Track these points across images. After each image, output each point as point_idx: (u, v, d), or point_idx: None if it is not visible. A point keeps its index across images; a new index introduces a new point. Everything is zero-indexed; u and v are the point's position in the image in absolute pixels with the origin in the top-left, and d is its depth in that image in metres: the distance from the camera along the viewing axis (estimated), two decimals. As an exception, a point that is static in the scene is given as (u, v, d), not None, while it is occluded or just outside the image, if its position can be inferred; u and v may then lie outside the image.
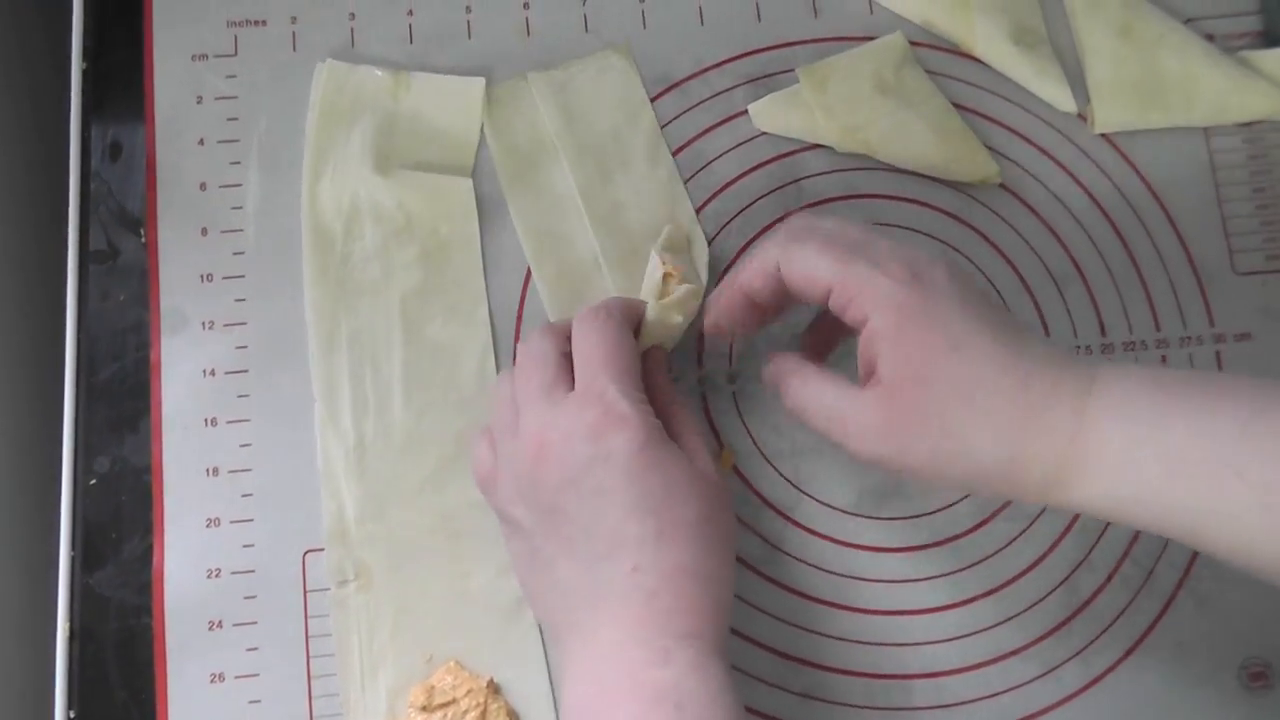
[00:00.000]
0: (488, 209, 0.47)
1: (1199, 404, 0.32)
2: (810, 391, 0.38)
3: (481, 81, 0.48)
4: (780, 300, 0.39)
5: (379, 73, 0.47)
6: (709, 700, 0.32)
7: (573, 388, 0.38)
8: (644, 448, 0.35)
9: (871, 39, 0.50)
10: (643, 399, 0.37)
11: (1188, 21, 0.50)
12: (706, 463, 0.38)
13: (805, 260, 0.37)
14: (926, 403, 0.34)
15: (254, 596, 0.42)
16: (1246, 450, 0.31)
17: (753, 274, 0.39)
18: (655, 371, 0.41)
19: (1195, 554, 0.45)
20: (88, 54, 0.48)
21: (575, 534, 0.36)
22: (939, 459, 0.34)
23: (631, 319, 0.41)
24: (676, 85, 0.49)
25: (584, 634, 0.35)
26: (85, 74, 0.47)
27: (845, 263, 0.36)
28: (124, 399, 0.44)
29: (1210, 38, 0.50)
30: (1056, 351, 0.35)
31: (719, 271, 0.47)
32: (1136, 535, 0.45)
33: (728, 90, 0.49)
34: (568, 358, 0.39)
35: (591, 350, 0.38)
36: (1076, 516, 0.45)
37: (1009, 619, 0.44)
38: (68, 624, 0.42)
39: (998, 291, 0.47)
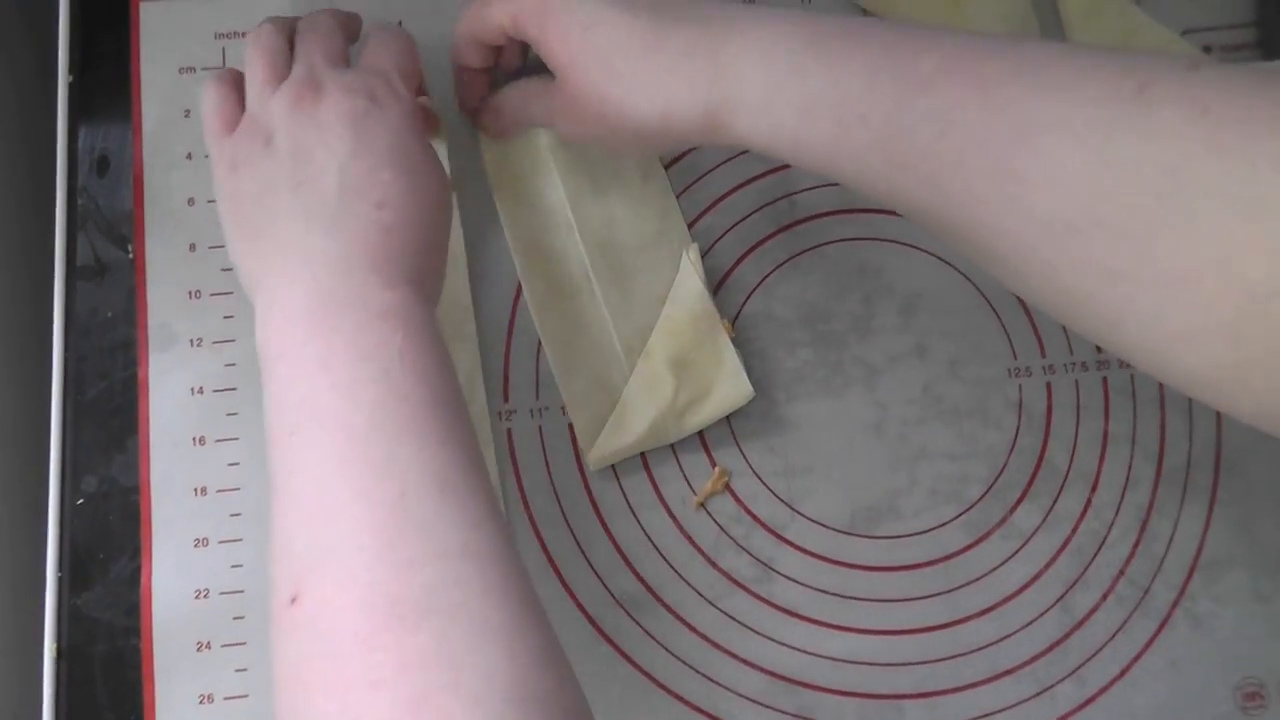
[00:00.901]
0: (476, 222, 0.47)
1: (835, 51, 0.35)
2: (518, 92, 0.44)
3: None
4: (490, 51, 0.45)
5: None
6: (429, 335, 0.35)
7: (314, 87, 0.39)
8: (412, 122, 0.39)
9: (866, 51, 0.49)
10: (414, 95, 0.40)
11: (1184, 33, 0.50)
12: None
13: (492, 16, 0.42)
14: (583, 79, 0.39)
15: (242, 617, 0.42)
16: (869, 98, 0.34)
17: (460, 45, 0.44)
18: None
19: (1192, 573, 0.45)
20: (74, 66, 0.47)
21: (328, 165, 0.37)
22: (609, 125, 0.39)
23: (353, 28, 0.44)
24: (669, 98, 0.49)
25: (309, 258, 0.36)
26: (72, 87, 0.47)
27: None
28: (112, 418, 0.44)
29: (1207, 49, 0.50)
30: (701, 11, 0.38)
31: (714, 285, 0.47)
32: (1132, 554, 0.45)
33: (721, 103, 0.49)
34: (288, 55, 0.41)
35: (385, 45, 0.41)
36: (1072, 534, 0.45)
37: (1003, 638, 0.44)
38: (55, 645, 0.42)
39: (990, 305, 0.47)
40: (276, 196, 0.37)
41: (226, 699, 0.41)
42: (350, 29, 0.43)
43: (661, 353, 0.44)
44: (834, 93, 0.34)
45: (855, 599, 0.44)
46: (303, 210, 0.36)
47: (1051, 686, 0.43)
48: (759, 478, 0.45)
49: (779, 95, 0.35)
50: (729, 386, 0.44)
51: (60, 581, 0.42)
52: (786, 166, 0.48)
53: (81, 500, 0.43)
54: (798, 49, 0.35)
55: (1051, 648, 0.44)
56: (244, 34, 0.48)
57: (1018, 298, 0.47)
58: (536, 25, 0.40)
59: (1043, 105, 0.31)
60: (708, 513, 0.44)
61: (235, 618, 0.42)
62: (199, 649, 0.42)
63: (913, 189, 0.34)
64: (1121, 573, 0.45)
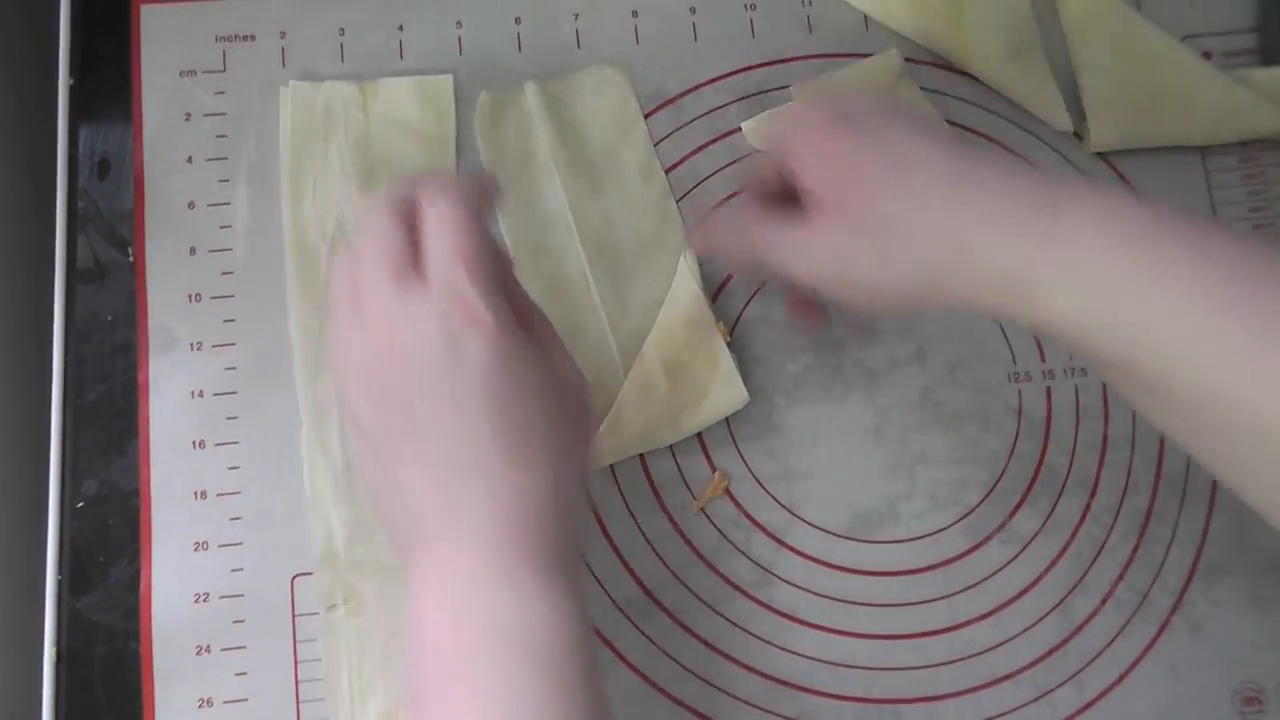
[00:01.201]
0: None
1: (1196, 242, 0.32)
2: (749, 220, 0.39)
3: (449, 78, 0.48)
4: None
5: (345, 85, 0.47)
6: (560, 637, 0.33)
7: (421, 276, 0.35)
8: (500, 350, 0.34)
9: (866, 56, 0.49)
10: (500, 297, 0.34)
11: (1185, 38, 0.50)
12: (562, 359, 0.36)
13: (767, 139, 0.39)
14: (869, 222, 0.35)
15: (242, 621, 0.42)
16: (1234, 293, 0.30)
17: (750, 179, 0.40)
18: (506, 270, 0.37)
19: (1191, 578, 0.45)
20: (75, 69, 0.47)
21: (425, 444, 0.34)
22: (865, 281, 0.35)
23: (483, 202, 0.37)
24: (670, 102, 0.49)
25: (432, 554, 0.34)
26: (72, 90, 0.47)
27: (780, 122, 0.38)
28: (111, 422, 0.44)
29: (1207, 55, 0.50)
30: (952, 169, 0.34)
31: (712, 291, 0.47)
32: (1131, 558, 0.45)
33: (721, 107, 0.49)
34: (414, 240, 0.35)
35: (445, 239, 0.34)
36: (1071, 539, 0.45)
37: (1002, 643, 0.44)
38: (55, 648, 0.42)
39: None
40: (381, 478, 0.35)
41: (226, 703, 0.41)
42: (477, 201, 0.36)
43: (656, 356, 0.44)
44: (1199, 288, 0.31)
45: (855, 603, 0.44)
46: (406, 499, 0.35)
47: (1050, 691, 0.43)
48: (759, 482, 0.45)
49: (1130, 281, 0.31)
50: (724, 390, 0.44)
51: (60, 584, 0.42)
52: (787, 171, 0.48)
53: (81, 503, 0.43)
54: (1155, 232, 0.32)
55: (1050, 652, 0.44)
56: (244, 36, 0.48)
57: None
58: (811, 154, 0.36)
59: None
60: (707, 517, 0.44)
61: (235, 621, 0.42)
62: (199, 652, 0.42)
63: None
64: (1120, 577, 0.45)
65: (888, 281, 0.35)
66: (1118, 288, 0.32)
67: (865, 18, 0.50)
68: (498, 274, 0.35)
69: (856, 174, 0.35)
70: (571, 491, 0.35)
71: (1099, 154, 0.49)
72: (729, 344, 0.45)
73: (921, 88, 0.49)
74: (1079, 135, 0.49)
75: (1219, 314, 0.30)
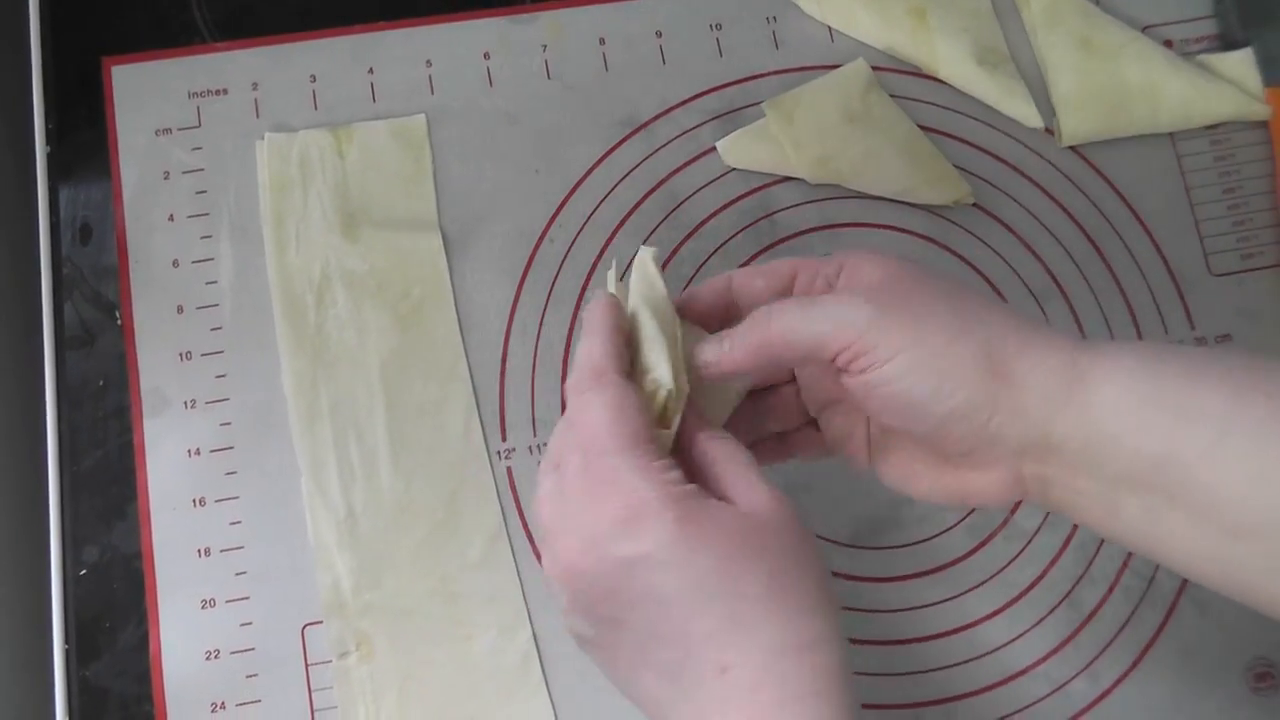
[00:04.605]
0: (457, 251, 0.47)
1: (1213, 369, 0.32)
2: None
3: (422, 118, 0.48)
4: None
5: (319, 134, 0.47)
6: None
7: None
8: (679, 529, 0.30)
9: (834, 67, 0.50)
10: (660, 462, 0.32)
11: (1145, 29, 0.51)
12: (757, 494, 0.32)
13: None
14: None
15: (255, 675, 0.42)
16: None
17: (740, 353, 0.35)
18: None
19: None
20: (51, 136, 0.47)
21: (643, 643, 0.31)
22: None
23: (620, 355, 0.35)
24: (643, 127, 0.49)
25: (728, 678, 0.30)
26: (50, 156, 0.47)
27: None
28: (110, 486, 0.44)
29: (1168, 44, 0.51)
30: (1035, 342, 0.33)
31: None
32: (1134, 545, 0.45)
33: (695, 128, 0.49)
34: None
35: (587, 425, 0.32)
36: (1074, 530, 0.45)
37: (1014, 639, 0.44)
38: (67, 718, 0.41)
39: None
40: (620, 682, 0.34)
41: (245, 759, 0.41)
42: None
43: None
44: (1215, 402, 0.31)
45: (865, 611, 0.44)
46: (650, 698, 0.32)
47: (1065, 684, 0.44)
48: (761, 497, 0.45)
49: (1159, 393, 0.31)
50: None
51: (68, 654, 0.42)
52: (765, 186, 0.48)
53: (84, 571, 0.43)
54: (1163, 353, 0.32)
55: (1062, 645, 0.44)
56: (216, 91, 0.48)
57: (1003, 297, 0.47)
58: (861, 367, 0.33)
59: None
60: (712, 536, 0.44)
61: (248, 676, 0.42)
62: (213, 710, 0.41)
63: None
64: (1125, 565, 0.45)
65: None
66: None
67: (830, 30, 0.51)
68: (649, 435, 0.32)
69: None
70: (818, 629, 0.31)
71: (1071, 148, 0.50)
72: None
73: (891, 95, 0.50)
74: (1050, 131, 0.50)
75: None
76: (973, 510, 0.45)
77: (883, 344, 0.32)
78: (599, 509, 0.31)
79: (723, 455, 0.33)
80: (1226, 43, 0.51)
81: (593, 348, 0.34)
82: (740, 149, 0.48)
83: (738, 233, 0.48)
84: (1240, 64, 0.50)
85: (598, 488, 0.32)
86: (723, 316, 0.37)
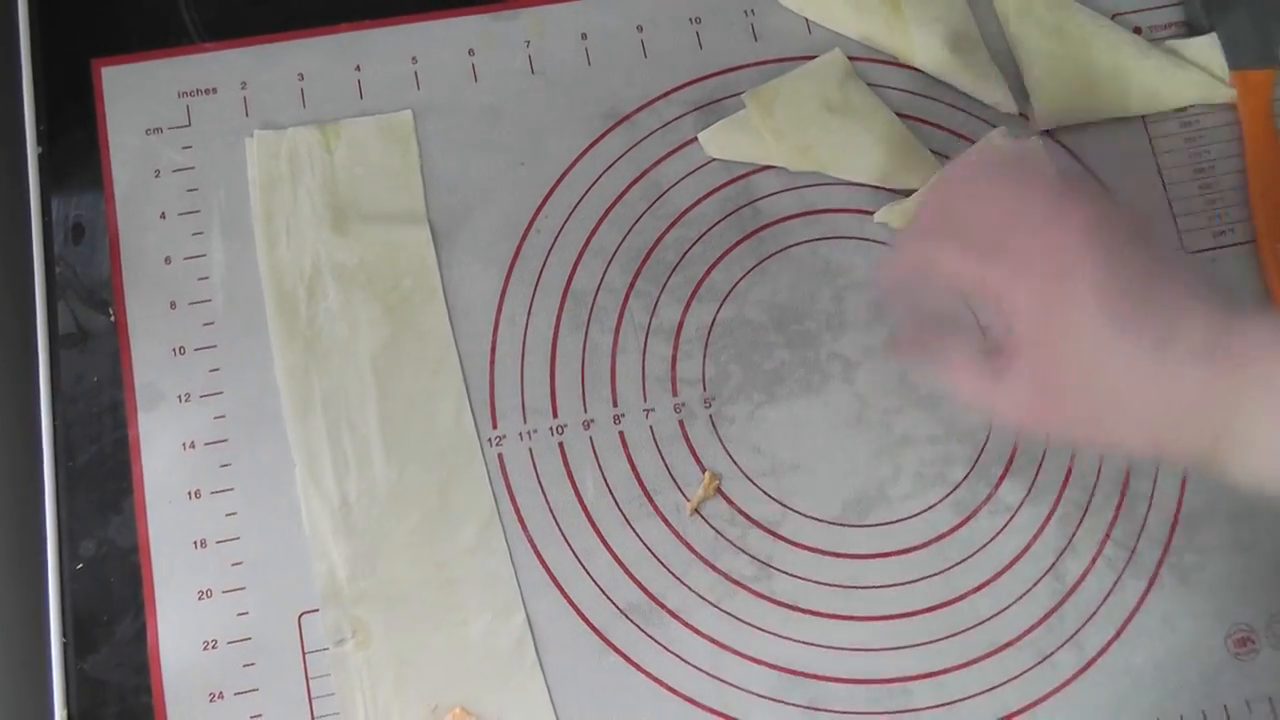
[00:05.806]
0: (446, 244, 0.47)
1: None
2: (952, 374, 0.38)
3: (408, 114, 0.49)
4: None
5: (308, 130, 0.48)
6: None
7: None
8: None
9: (812, 58, 0.51)
10: None
11: (1114, 16, 0.52)
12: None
13: (942, 264, 0.36)
14: (1069, 397, 0.35)
15: (253, 664, 0.42)
16: None
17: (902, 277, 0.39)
18: None
19: (1174, 529, 0.46)
20: (42, 137, 0.48)
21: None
22: (1084, 440, 0.39)
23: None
24: (625, 119, 0.50)
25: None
26: (41, 158, 0.48)
27: (985, 265, 0.35)
28: (105, 480, 0.44)
29: (1137, 30, 0.52)
30: (1209, 343, 0.33)
31: (686, 296, 0.48)
32: (1115, 516, 0.46)
33: (676, 119, 0.50)
34: None
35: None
36: (1057, 503, 0.46)
37: (1000, 612, 0.45)
38: (65, 711, 0.42)
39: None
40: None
41: (244, 747, 0.42)
42: None
43: None
44: None
45: (854, 587, 0.45)
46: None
47: (1051, 654, 0.44)
48: (749, 479, 0.46)
49: None
50: None
51: (65, 647, 0.42)
52: (747, 174, 0.49)
53: (81, 565, 0.43)
54: None
55: (1047, 616, 0.45)
56: (206, 90, 0.49)
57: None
58: (1025, 325, 0.35)
59: None
60: (702, 517, 0.45)
61: (245, 665, 0.42)
62: (212, 699, 0.42)
63: None
64: (1108, 536, 0.46)
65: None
66: None
67: (808, 22, 0.52)
68: None
69: (1062, 361, 0.35)
70: None
71: (1046, 132, 0.51)
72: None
73: (869, 84, 0.51)
74: (1025, 115, 0.51)
75: None
76: (957, 487, 0.46)
77: None
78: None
79: None
80: (1192, 29, 0.52)
81: None
82: (721, 139, 0.49)
83: (720, 220, 0.49)
84: (1206, 48, 0.51)
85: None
86: None
